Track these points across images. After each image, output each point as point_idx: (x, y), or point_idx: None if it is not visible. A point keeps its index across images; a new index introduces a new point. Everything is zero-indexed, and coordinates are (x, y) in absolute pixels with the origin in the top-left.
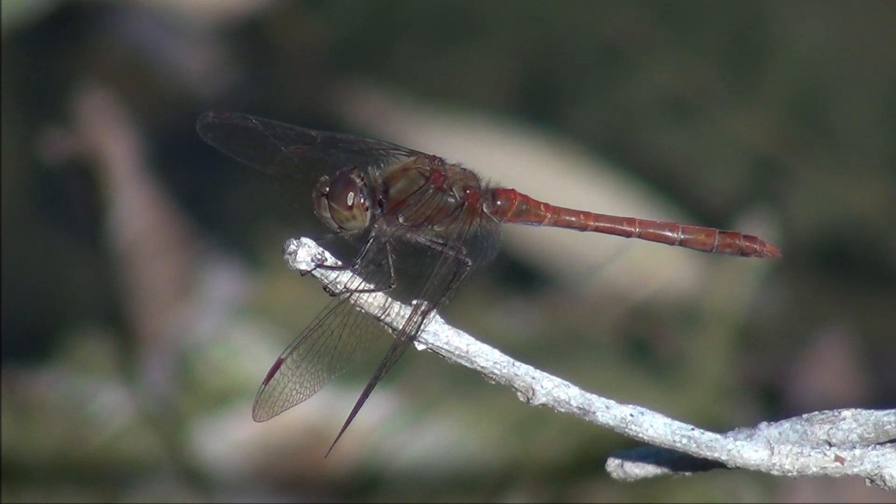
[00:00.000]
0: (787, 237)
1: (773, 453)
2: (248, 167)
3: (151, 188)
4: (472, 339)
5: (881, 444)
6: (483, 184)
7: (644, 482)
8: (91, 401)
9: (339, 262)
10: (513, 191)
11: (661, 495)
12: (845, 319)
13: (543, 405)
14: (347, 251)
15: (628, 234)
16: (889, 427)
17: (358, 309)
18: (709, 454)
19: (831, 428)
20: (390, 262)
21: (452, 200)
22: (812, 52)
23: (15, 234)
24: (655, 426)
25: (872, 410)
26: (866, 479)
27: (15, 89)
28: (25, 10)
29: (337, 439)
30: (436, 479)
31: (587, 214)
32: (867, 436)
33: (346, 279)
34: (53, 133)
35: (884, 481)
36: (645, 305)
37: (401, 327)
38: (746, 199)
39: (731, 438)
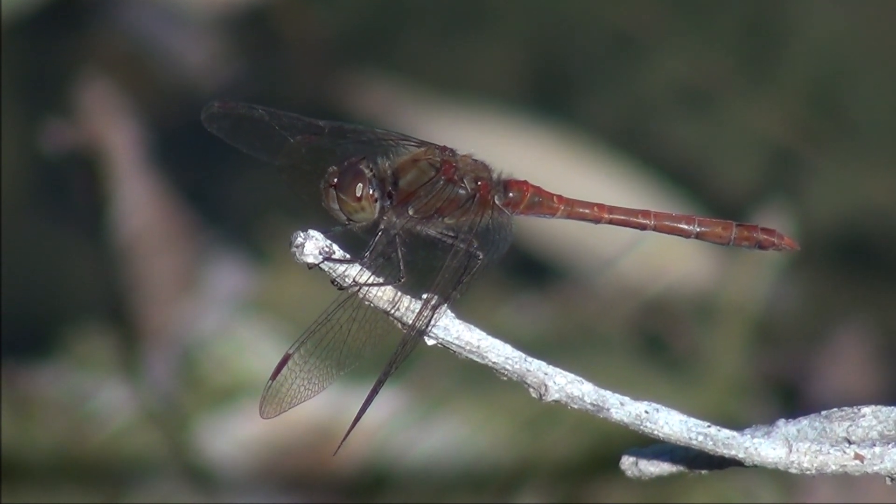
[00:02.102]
0: (804, 230)
1: (791, 451)
2: (252, 159)
3: (154, 180)
4: (483, 334)
5: None
6: (495, 175)
7: (659, 481)
8: (92, 398)
9: (348, 256)
10: (525, 182)
11: (676, 494)
12: (865, 314)
13: (556, 402)
14: (356, 244)
15: (643, 227)
16: None
17: (367, 303)
18: (725, 452)
19: (851, 425)
20: (400, 256)
21: (463, 192)
22: (829, 40)
23: (15, 227)
24: (671, 423)
25: (893, 407)
26: (887, 478)
27: (15, 80)
28: (26, 0)
29: (346, 437)
30: (445, 478)
31: (601, 206)
32: (887, 433)
33: (354, 273)
34: (54, 124)
35: None
36: (660, 300)
37: (411, 322)
38: (763, 190)
39: (749, 436)
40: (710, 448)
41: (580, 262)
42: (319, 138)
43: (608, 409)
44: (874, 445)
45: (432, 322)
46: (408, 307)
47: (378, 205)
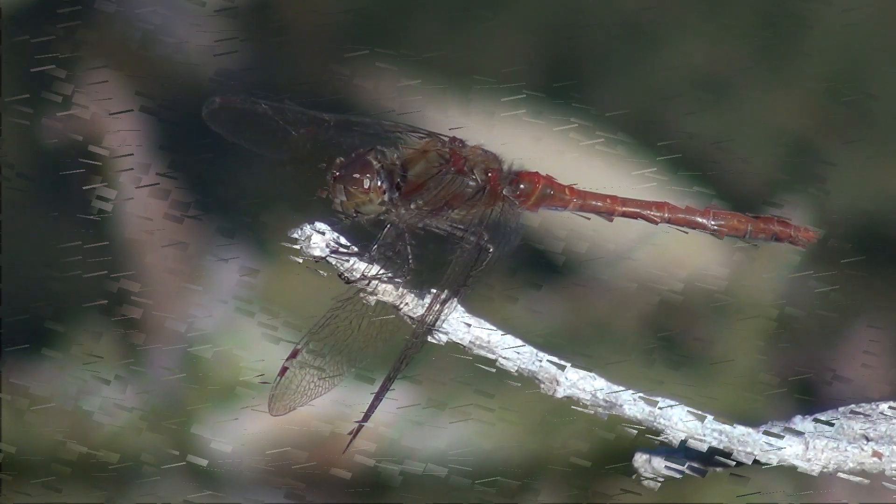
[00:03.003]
0: (822, 223)
1: (807, 448)
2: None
3: (156, 172)
4: (493, 329)
5: None
6: (505, 167)
7: (673, 478)
8: (93, 394)
9: (355, 249)
10: (536, 174)
11: (690, 493)
12: (883, 309)
13: (568, 398)
14: (364, 237)
15: (657, 220)
16: None
17: (375, 298)
18: (741, 449)
19: (868, 422)
20: (408, 249)
21: (473, 184)
22: (850, 29)
23: (15, 219)
24: (685, 420)
25: None
26: None
27: (15, 70)
28: None
29: (355, 435)
30: (455, 476)
31: (614, 199)
32: None
33: (362, 266)
34: (55, 114)
35: None
36: (674, 295)
37: (420, 317)
38: (781, 182)
39: (765, 433)
40: (726, 445)
41: (593, 255)
42: (324, 132)
43: (621, 406)
44: (893, 443)
45: (442, 317)
46: (417, 302)
47: (386, 197)
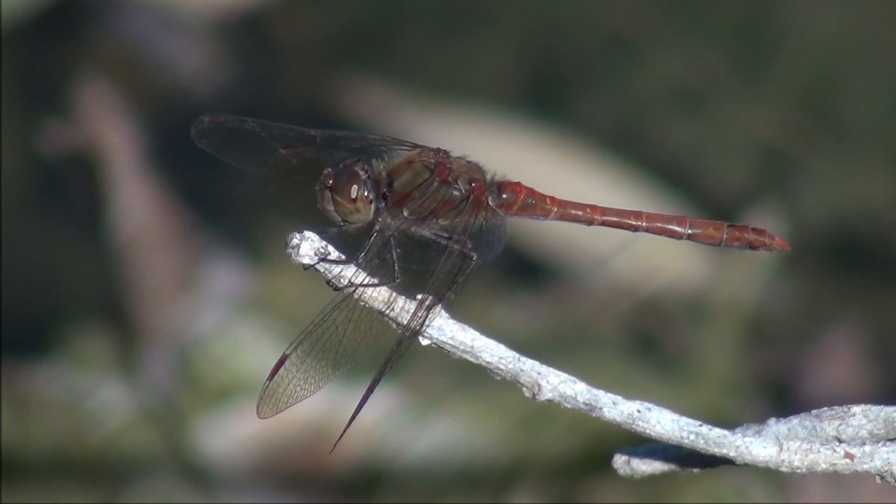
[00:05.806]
0: (796, 230)
1: (781, 450)
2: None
3: (151, 181)
4: (477, 334)
5: (891, 440)
6: (488, 177)
7: (651, 479)
8: (91, 396)
9: (343, 257)
10: (518, 184)
11: (668, 493)
12: (855, 313)
13: (549, 401)
14: (351, 245)
15: (635, 228)
16: None
17: (362, 304)
18: (717, 451)
19: (841, 424)
20: (394, 257)
21: (457, 193)
22: (823, 41)
23: (14, 227)
24: (663, 422)
25: (882, 406)
26: (876, 476)
27: (15, 82)
28: (25, 4)
29: (341, 436)
30: (440, 477)
31: (594, 208)
32: (877, 432)
33: (349, 273)
34: (52, 126)
35: (894, 478)
36: (652, 300)
37: (405, 322)
38: (756, 191)
39: (740, 435)
40: (702, 447)
41: (573, 262)
42: (310, 148)
43: (601, 409)
44: (864, 444)
45: (427, 322)
46: (402, 307)
47: (373, 206)
